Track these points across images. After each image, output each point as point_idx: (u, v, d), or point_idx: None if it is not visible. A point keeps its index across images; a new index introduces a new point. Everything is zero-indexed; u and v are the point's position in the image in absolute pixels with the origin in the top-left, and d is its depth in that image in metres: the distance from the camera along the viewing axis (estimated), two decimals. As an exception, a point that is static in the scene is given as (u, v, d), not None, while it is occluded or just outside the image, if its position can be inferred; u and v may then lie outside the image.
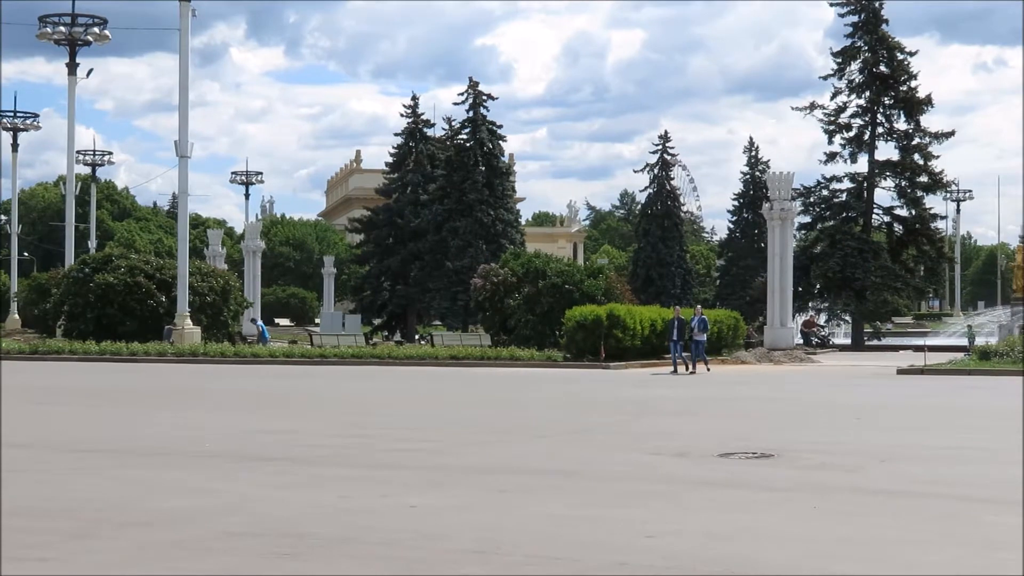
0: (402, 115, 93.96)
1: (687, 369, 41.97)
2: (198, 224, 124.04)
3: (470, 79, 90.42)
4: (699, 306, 48.02)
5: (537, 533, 11.51)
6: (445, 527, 11.78)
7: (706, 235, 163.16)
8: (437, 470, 16.19)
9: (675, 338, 42.26)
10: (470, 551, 10.61)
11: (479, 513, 12.65)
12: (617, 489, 14.48)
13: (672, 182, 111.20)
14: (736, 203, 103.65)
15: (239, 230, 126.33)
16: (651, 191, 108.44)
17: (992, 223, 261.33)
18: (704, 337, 42.88)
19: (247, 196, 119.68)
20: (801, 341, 63.81)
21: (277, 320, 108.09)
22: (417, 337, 79.22)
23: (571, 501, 13.53)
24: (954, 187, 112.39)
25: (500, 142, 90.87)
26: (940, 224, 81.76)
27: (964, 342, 60.85)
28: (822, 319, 72.14)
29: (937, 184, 73.41)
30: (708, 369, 42.45)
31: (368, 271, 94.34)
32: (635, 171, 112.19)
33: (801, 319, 69.44)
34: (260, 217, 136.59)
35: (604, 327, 45.49)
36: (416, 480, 15.18)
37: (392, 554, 10.58)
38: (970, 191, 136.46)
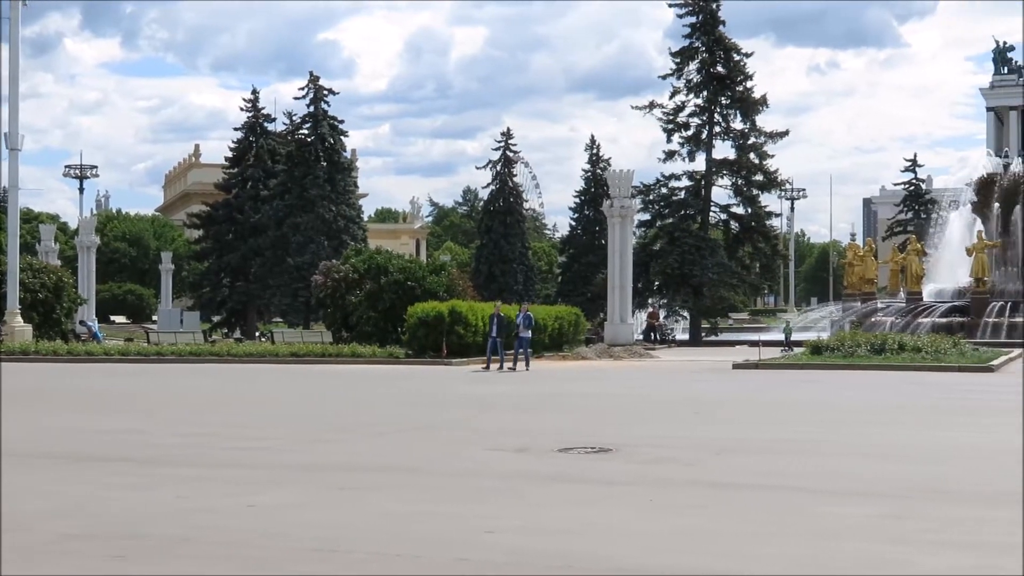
0: (242, 109, 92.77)
1: (500, 367, 41.20)
2: (30, 219, 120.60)
3: (311, 73, 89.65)
4: (525, 303, 47.75)
5: (378, 530, 11.46)
6: (285, 526, 11.66)
7: (548, 232, 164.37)
8: (277, 468, 16.01)
9: (494, 335, 41.94)
10: (310, 550, 10.52)
11: (319, 511, 12.55)
12: (458, 485, 14.51)
13: (515, 179, 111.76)
14: (578, 200, 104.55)
15: (73, 225, 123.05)
16: (494, 188, 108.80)
17: (824, 221, 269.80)
18: (529, 334, 42.53)
19: (81, 190, 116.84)
20: (641, 337, 64.64)
21: (113, 317, 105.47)
22: (257, 334, 78.17)
23: (412, 498, 13.51)
24: (788, 186, 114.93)
25: (342, 137, 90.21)
26: (775, 222, 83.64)
27: (799, 336, 62.41)
28: (661, 315, 73.14)
29: (772, 183, 74.99)
30: (527, 368, 41.47)
31: (207, 267, 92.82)
32: (478, 168, 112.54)
33: (645, 312, 70.23)
34: (95, 212, 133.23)
35: (446, 324, 45.53)
36: (256, 479, 15.00)
37: (231, 554, 10.43)
38: (804, 190, 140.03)
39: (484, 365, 41.97)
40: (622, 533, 11.33)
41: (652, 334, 65.56)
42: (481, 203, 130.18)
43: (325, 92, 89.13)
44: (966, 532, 11.42)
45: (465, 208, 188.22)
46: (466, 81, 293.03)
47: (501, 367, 41.49)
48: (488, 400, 28.51)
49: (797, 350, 47.52)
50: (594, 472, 15.48)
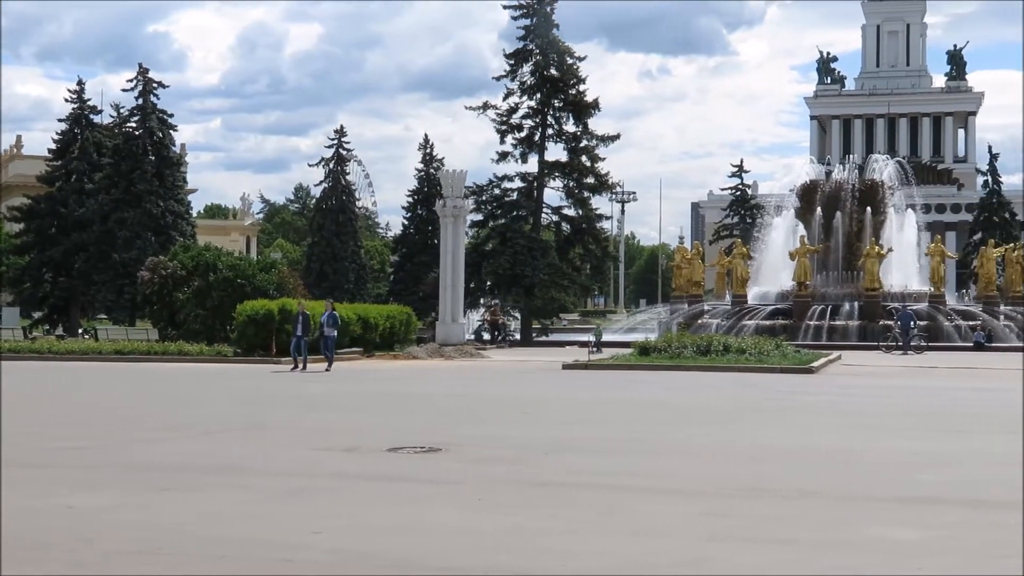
0: (67, 100, 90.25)
1: (296, 367, 40.07)
2: None
3: (140, 65, 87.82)
4: (330, 300, 46.75)
5: (202, 532, 11.29)
6: (104, 528, 11.40)
7: (381, 231, 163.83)
8: (98, 469, 15.65)
9: (299, 334, 40.89)
10: (132, 552, 10.31)
11: (141, 512, 12.30)
12: (285, 485, 14.37)
13: (347, 177, 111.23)
14: (411, 200, 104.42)
15: None
16: (326, 185, 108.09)
17: (654, 224, 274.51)
18: (334, 333, 41.91)
19: None
20: (474, 336, 64.74)
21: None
22: (80, 331, 76.17)
23: (238, 498, 13.34)
24: (619, 189, 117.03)
25: (171, 131, 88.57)
26: (605, 224, 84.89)
27: (620, 337, 63.44)
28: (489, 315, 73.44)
29: (603, 185, 75.90)
30: (329, 368, 40.39)
31: (28, 262, 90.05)
32: (311, 165, 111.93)
33: (478, 312, 70.23)
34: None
35: (276, 322, 45.04)
36: (75, 479, 14.63)
37: (48, 556, 10.16)
38: (634, 193, 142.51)
39: (292, 365, 40.83)
40: (450, 532, 11.36)
41: (495, 332, 65.36)
42: (313, 201, 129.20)
43: (154, 85, 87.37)
44: (783, 529, 11.75)
45: (297, 205, 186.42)
46: (300, 77, 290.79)
47: (302, 367, 40.11)
48: (317, 399, 28.31)
49: (625, 351, 48.09)
50: (423, 471, 15.50)
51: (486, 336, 66.90)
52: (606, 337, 65.38)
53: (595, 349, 53.21)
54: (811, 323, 64.62)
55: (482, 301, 72.79)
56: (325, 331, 41.44)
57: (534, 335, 73.11)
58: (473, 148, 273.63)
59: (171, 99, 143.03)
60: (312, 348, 41.76)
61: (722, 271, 76.73)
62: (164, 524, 11.63)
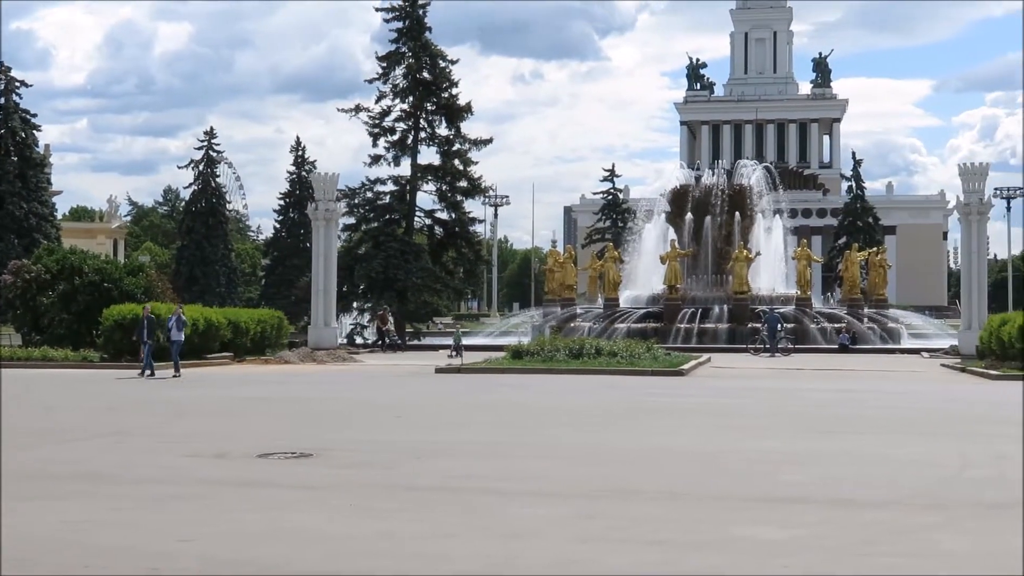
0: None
1: (143, 372, 38.83)
2: None
3: (1, 63, 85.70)
4: (179, 304, 45.47)
5: (65, 542, 11.03)
6: (-37, 539, 11.08)
7: (252, 234, 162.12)
8: (-43, 478, 15.22)
9: (146, 338, 39.87)
10: (-10, 563, 10.04)
11: (4, 521, 11.96)
12: (153, 493, 14.12)
13: (218, 179, 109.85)
14: (283, 202, 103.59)
15: None
16: (196, 188, 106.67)
17: (527, 227, 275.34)
18: (181, 337, 40.90)
19: None
20: (346, 340, 64.21)
21: None
22: (-60, 336, 74.02)
23: (103, 506, 13.07)
24: (492, 192, 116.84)
25: (35, 132, 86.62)
26: (478, 228, 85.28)
27: (494, 341, 63.55)
28: (366, 319, 72.99)
29: (476, 189, 75.98)
30: (177, 375, 39.23)
31: None
32: (180, 167, 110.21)
33: (375, 314, 68.80)
34: None
35: (144, 326, 44.24)
36: (-68, 490, 14.20)
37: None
38: (507, 197, 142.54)
39: (141, 370, 39.47)
40: (321, 538, 11.27)
41: (384, 338, 64.19)
42: (183, 203, 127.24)
43: (17, 84, 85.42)
44: (651, 530, 11.87)
45: (166, 208, 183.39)
46: (169, 78, 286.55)
47: (147, 372, 39.05)
48: (187, 404, 27.87)
49: (498, 354, 48.14)
50: (293, 477, 15.35)
51: (359, 340, 66.51)
52: (479, 341, 65.51)
53: (454, 353, 53.16)
54: (682, 326, 65.46)
55: (355, 305, 72.32)
56: (172, 335, 40.51)
57: (407, 338, 72.89)
58: (346, 151, 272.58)
59: (35, 99, 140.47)
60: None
61: (594, 275, 77.33)
62: (25, 535, 11.35)
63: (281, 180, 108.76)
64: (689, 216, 74.19)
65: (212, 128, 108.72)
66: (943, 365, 46.89)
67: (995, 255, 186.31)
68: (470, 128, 75.93)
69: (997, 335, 43.45)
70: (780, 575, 10.01)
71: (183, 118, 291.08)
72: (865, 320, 68.27)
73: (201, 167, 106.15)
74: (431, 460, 17.17)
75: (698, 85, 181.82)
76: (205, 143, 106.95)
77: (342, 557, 10.51)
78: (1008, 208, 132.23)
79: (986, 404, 28.79)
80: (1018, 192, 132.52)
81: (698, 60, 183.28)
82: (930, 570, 10.19)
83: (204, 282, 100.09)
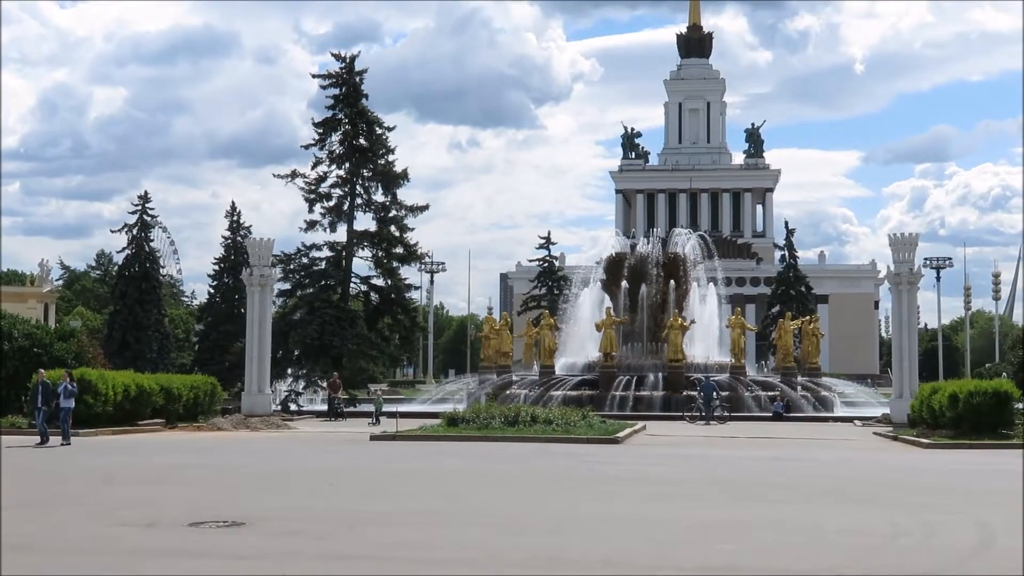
0: None
1: (42, 441, 37.74)
2: None
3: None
4: (67, 371, 44.18)
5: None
6: None
7: (186, 299, 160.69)
8: None
9: (39, 405, 39.00)
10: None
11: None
12: (78, 564, 13.87)
13: (151, 244, 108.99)
14: (217, 267, 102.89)
15: None
16: (129, 252, 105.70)
17: (463, 294, 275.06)
18: (71, 404, 39.62)
19: None
20: (279, 407, 63.60)
21: None
22: None
23: (28, 578, 12.83)
24: (428, 259, 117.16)
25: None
26: (414, 294, 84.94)
27: (430, 408, 63.23)
28: (300, 386, 72.44)
29: (412, 255, 75.98)
30: (67, 443, 37.69)
31: None
32: (113, 231, 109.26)
33: (327, 382, 67.56)
34: None
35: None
36: None
37: None
38: (443, 263, 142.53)
39: (39, 440, 38.31)
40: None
41: (334, 405, 62.49)
42: (116, 268, 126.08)
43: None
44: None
45: (99, 272, 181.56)
46: (104, 141, 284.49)
47: (43, 439, 38.03)
48: (116, 472, 27.46)
49: (433, 421, 47.85)
50: (225, 546, 15.16)
51: (292, 407, 66.02)
52: (415, 408, 65.21)
53: (374, 421, 52.99)
54: (617, 393, 65.57)
55: (289, 371, 71.81)
56: (61, 402, 39.42)
57: (343, 406, 72.38)
58: (282, 216, 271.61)
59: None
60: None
61: (530, 342, 77.41)
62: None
63: (216, 245, 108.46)
64: (624, 284, 74.57)
65: (146, 192, 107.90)
66: (875, 433, 47.28)
67: (926, 324, 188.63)
68: (406, 194, 76.28)
69: (928, 403, 43.92)
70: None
71: (117, 182, 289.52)
72: (799, 388, 68.73)
73: (135, 231, 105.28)
74: (363, 529, 17.04)
75: (633, 154, 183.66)
76: (139, 207, 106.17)
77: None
78: (938, 278, 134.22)
79: (917, 472, 29.05)
80: (947, 262, 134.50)
81: (633, 129, 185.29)
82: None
83: (136, 347, 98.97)
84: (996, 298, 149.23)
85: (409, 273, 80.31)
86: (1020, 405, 43.77)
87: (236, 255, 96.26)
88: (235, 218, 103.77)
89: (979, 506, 20.30)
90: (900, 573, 13.68)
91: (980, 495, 22.29)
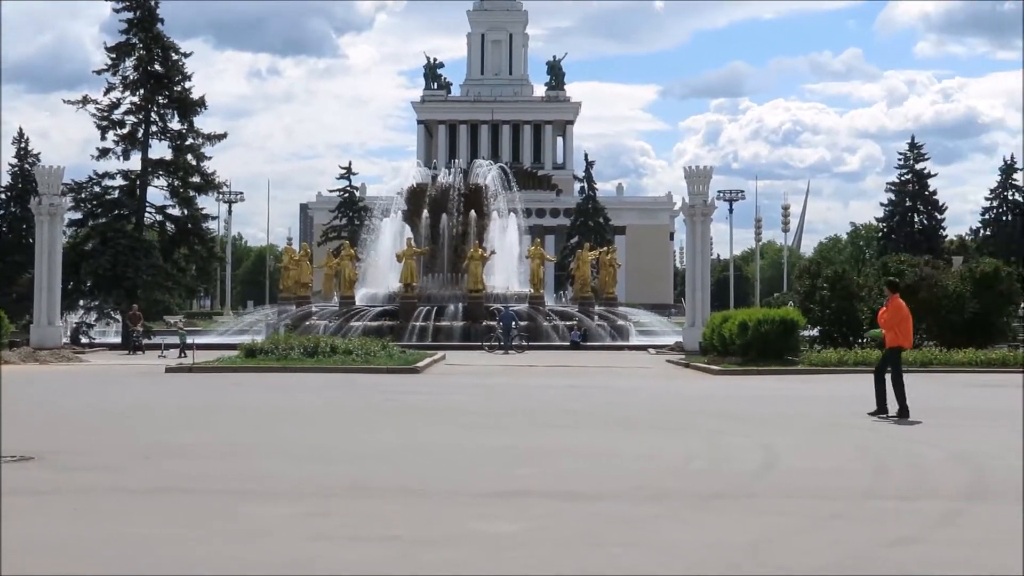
0: None
1: None
2: None
3: None
4: None
5: None
6: None
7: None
8: None
9: None
10: None
11: None
12: None
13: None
14: (4, 196, 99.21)
15: None
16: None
17: (263, 225, 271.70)
18: None
19: None
20: (69, 340, 61.92)
21: None
22: None
23: None
24: (226, 189, 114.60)
25: None
26: (212, 224, 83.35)
27: (228, 340, 62.41)
28: (92, 317, 70.54)
29: (209, 185, 74.35)
30: None
31: None
32: None
33: (128, 314, 65.54)
34: None
35: None
36: None
37: None
38: (242, 193, 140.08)
39: None
40: (44, 545, 10.89)
41: (132, 339, 60.76)
42: None
43: None
44: (385, 527, 11.91)
45: None
46: None
47: None
48: None
49: (232, 353, 47.25)
50: (14, 481, 14.73)
51: (83, 339, 64.35)
52: (213, 340, 64.27)
53: (181, 354, 51.98)
54: (417, 324, 65.71)
55: (81, 303, 69.86)
56: None
57: (141, 339, 70.80)
58: (72, 144, 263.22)
59: None
60: None
61: (330, 273, 76.95)
62: None
63: (2, 173, 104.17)
64: (426, 214, 74.55)
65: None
66: (668, 361, 48.54)
67: (719, 255, 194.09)
68: (204, 123, 74.15)
69: (719, 332, 45.26)
70: (508, 569, 10.19)
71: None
72: (596, 318, 70.01)
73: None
74: (161, 461, 16.78)
75: (435, 85, 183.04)
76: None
77: (67, 563, 10.18)
78: (731, 210, 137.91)
79: (708, 399, 29.96)
80: (740, 195, 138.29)
81: (435, 60, 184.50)
82: (651, 558, 10.56)
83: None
84: (785, 230, 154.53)
85: (207, 203, 79.00)
86: (805, 333, 45.54)
87: (24, 183, 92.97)
88: (23, 145, 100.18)
89: (765, 429, 21.09)
90: (692, 494, 14.13)
91: (766, 419, 23.16)
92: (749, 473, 15.85)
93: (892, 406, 22.86)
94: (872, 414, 22.92)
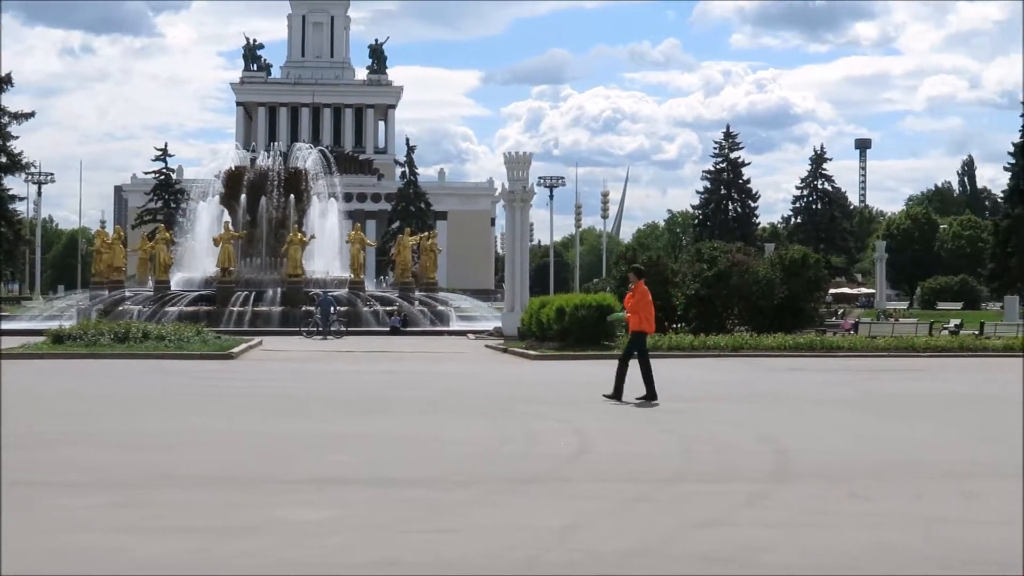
0: None
1: None
2: None
3: None
4: None
5: None
6: None
7: None
8: None
9: None
10: None
11: None
12: None
13: None
14: None
15: None
16: None
17: (74, 207, 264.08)
18: None
19: None
20: None
21: None
22: None
23: None
24: (35, 169, 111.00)
25: None
26: (20, 206, 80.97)
27: (36, 325, 60.54)
28: None
29: (16, 165, 72.45)
30: None
31: None
32: None
33: None
34: None
35: None
36: None
37: None
38: (52, 174, 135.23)
39: None
40: None
41: None
42: None
43: None
44: (188, 517, 11.62)
45: None
46: None
47: None
48: None
49: (38, 339, 45.77)
50: None
51: None
52: (21, 325, 62.42)
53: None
54: (235, 309, 64.70)
55: None
56: None
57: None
58: None
59: None
60: None
61: (145, 256, 75.22)
62: None
63: None
64: (244, 198, 73.39)
65: None
66: (487, 346, 48.75)
67: (539, 241, 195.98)
68: (11, 100, 72.02)
69: (537, 317, 45.61)
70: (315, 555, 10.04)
71: None
72: (416, 303, 69.94)
73: None
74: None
75: (255, 66, 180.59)
76: None
77: None
78: (551, 196, 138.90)
79: (524, 384, 30.16)
80: (560, 181, 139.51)
81: (255, 41, 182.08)
82: (462, 543, 10.51)
83: None
84: (604, 216, 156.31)
85: (14, 184, 76.60)
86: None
87: None
88: None
89: (579, 414, 21.27)
90: (505, 478, 14.15)
91: (581, 404, 23.36)
92: (562, 457, 15.94)
93: (636, 391, 23.21)
94: (608, 397, 23.29)
